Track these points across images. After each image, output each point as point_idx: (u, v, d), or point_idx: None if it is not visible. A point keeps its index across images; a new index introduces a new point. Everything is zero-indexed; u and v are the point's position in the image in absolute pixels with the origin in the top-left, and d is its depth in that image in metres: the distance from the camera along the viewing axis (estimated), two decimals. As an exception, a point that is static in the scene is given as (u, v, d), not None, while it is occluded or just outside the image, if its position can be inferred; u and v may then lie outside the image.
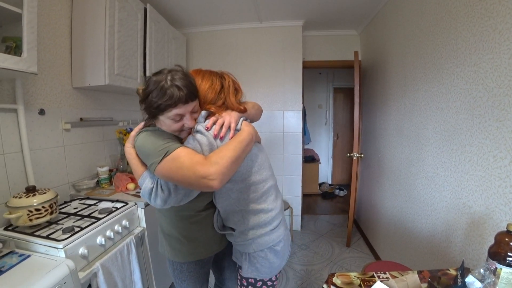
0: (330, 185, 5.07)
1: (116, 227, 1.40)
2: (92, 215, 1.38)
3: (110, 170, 1.95)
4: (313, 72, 4.88)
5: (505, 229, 0.97)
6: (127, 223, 1.48)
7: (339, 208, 4.03)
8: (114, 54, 1.77)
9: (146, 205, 1.62)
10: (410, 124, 1.97)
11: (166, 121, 0.91)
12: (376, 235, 2.72)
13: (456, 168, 1.43)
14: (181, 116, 0.91)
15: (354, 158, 2.72)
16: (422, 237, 1.76)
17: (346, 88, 4.92)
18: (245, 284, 1.10)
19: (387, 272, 1.18)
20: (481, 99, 1.24)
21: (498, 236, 0.99)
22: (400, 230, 2.11)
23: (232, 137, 0.94)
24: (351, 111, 2.74)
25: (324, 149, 5.26)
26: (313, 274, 2.33)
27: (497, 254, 0.97)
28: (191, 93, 0.89)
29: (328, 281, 1.12)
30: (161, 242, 1.16)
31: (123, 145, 2.07)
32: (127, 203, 1.57)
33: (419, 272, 1.19)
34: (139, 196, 1.67)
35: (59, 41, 1.70)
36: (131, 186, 1.78)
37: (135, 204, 1.60)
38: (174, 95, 0.85)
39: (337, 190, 4.73)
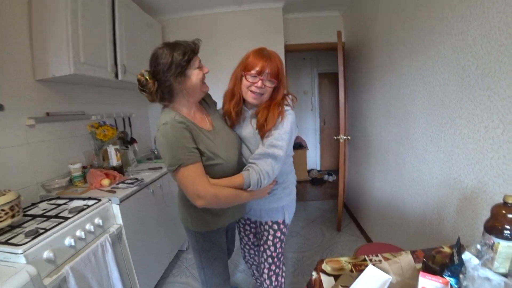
0: (319, 171, 5.06)
1: (88, 226, 1.28)
2: (60, 215, 1.26)
3: (84, 167, 1.82)
4: (297, 57, 4.79)
5: (502, 201, 0.92)
6: (101, 221, 1.37)
7: (329, 194, 4.02)
8: (79, 41, 1.61)
9: (122, 200, 1.51)
10: (396, 102, 1.92)
11: (194, 72, 1.03)
12: (366, 217, 2.70)
13: (446, 143, 1.38)
14: (200, 64, 1.06)
15: (341, 140, 2.67)
16: (413, 216, 1.73)
17: (331, 73, 4.86)
18: (283, 230, 1.34)
19: (379, 255, 1.12)
20: (470, 68, 1.18)
21: (495, 208, 0.94)
22: (390, 211, 2.08)
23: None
24: (337, 96, 2.67)
25: (311, 135, 5.22)
26: (304, 261, 2.29)
27: (494, 228, 0.92)
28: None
29: (317, 268, 1.05)
30: (182, 213, 1.20)
31: (97, 140, 1.94)
32: (99, 200, 1.45)
33: (413, 252, 1.13)
34: (114, 192, 1.55)
35: (15, 29, 1.53)
36: (105, 182, 1.66)
37: (109, 200, 1.49)
38: (190, 45, 1.03)
39: (326, 176, 4.72)
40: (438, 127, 1.44)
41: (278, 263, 1.37)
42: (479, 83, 1.14)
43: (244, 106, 1.21)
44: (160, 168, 2.17)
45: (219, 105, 1.35)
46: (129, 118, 2.56)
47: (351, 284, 0.89)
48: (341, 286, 0.94)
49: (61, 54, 1.57)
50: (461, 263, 0.89)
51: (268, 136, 1.10)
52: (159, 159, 2.47)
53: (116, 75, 1.98)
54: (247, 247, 1.59)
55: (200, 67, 1.05)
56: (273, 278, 1.37)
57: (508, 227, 0.89)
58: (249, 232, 1.53)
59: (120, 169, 1.91)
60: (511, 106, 0.99)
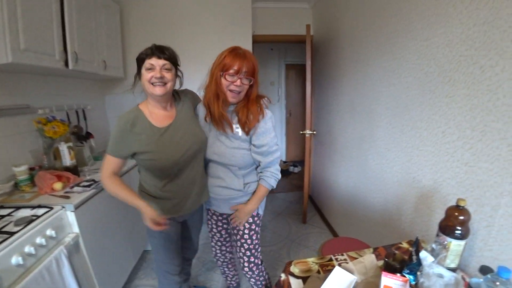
0: (284, 162, 5.14)
1: (39, 240, 1.14)
2: (3, 229, 1.11)
3: (31, 169, 1.62)
4: (264, 48, 4.72)
5: (455, 204, 0.99)
6: (53, 232, 1.23)
7: (294, 185, 4.12)
8: (18, 24, 1.39)
9: (77, 206, 1.38)
10: (362, 100, 1.97)
11: (144, 72, 1.14)
12: (331, 210, 2.81)
13: (407, 144, 1.45)
14: (152, 67, 1.13)
15: (306, 135, 2.72)
16: (375, 211, 1.83)
17: (299, 64, 4.88)
18: (258, 222, 1.43)
19: (344, 254, 1.17)
20: (432, 75, 1.24)
21: (449, 210, 1.01)
22: (354, 205, 2.18)
23: None
24: (304, 88, 2.68)
25: (277, 126, 5.25)
26: (272, 255, 2.33)
27: (447, 228, 0.99)
28: (163, 53, 1.14)
29: (286, 270, 1.08)
30: None
31: (45, 137, 1.74)
32: (51, 208, 1.29)
33: (375, 249, 1.20)
34: (68, 197, 1.41)
35: None
36: (58, 185, 1.49)
37: (63, 207, 1.34)
38: (148, 49, 1.14)
39: (292, 167, 4.82)
40: (400, 128, 1.50)
41: (256, 253, 1.46)
42: (439, 90, 1.20)
43: None
44: (121, 166, 2.02)
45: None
46: (83, 111, 2.32)
47: (319, 287, 0.92)
48: (310, 290, 0.97)
49: (-5, 39, 1.35)
50: (419, 262, 0.96)
51: (261, 146, 1.25)
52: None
53: (66, 64, 1.77)
54: (219, 243, 1.58)
55: (151, 69, 1.13)
56: (254, 269, 1.47)
57: (459, 228, 0.97)
58: (221, 228, 1.53)
59: (75, 170, 1.74)
60: (467, 114, 1.06)
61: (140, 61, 1.15)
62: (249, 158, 1.28)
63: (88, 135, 2.23)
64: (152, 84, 1.13)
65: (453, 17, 1.09)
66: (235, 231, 1.43)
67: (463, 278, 0.96)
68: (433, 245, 1.02)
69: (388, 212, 1.66)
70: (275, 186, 1.33)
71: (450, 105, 1.14)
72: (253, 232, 1.41)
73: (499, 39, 0.92)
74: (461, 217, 0.97)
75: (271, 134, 1.26)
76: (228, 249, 1.62)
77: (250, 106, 1.21)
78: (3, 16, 1.32)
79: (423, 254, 0.95)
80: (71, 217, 1.36)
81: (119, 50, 2.56)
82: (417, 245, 1.04)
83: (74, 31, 1.82)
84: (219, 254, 1.63)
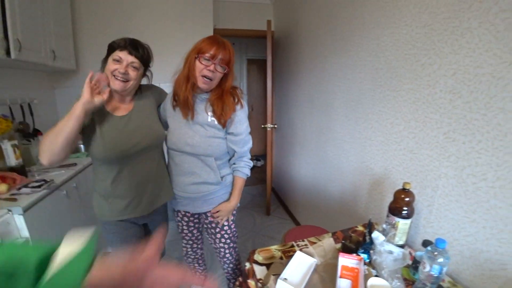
0: (248, 156, 5.19)
1: (-18, 246, 1.04)
2: None
3: (-31, 168, 1.45)
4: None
5: (401, 187, 1.11)
6: (-1, 239, 1.13)
7: (258, 178, 4.19)
8: None
9: (26, 209, 1.27)
10: (320, 94, 2.08)
11: (110, 62, 1.08)
12: (293, 201, 2.93)
13: (361, 135, 1.57)
14: (119, 59, 1.08)
15: (268, 129, 2.78)
16: (333, 198, 1.95)
17: (260, 59, 4.94)
18: (235, 212, 1.45)
19: (305, 240, 1.24)
20: (381, 70, 1.35)
21: (396, 193, 1.13)
22: (314, 194, 2.30)
23: None
24: (265, 83, 2.73)
25: (240, 121, 5.27)
26: (238, 248, 2.36)
27: (395, 209, 1.11)
28: (136, 50, 1.10)
29: (250, 259, 1.12)
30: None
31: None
32: (-4, 212, 1.19)
33: (333, 234, 1.29)
34: (14, 200, 1.29)
35: None
36: (2, 187, 1.35)
37: (9, 211, 1.22)
38: (123, 40, 1.09)
39: (255, 161, 4.89)
40: (355, 120, 1.62)
41: (234, 239, 1.51)
42: (387, 85, 1.32)
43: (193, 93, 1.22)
44: (75, 164, 1.88)
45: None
46: (29, 105, 2.11)
47: (281, 272, 0.97)
48: (273, 274, 1.02)
49: None
50: (371, 241, 1.06)
51: (239, 134, 1.26)
52: (73, 153, 2.13)
53: (8, 53, 1.59)
54: (191, 242, 1.56)
55: (118, 61, 1.08)
56: (233, 252, 1.52)
57: (405, 208, 1.09)
58: (193, 228, 1.50)
59: (22, 170, 1.59)
60: (410, 107, 1.18)
61: (110, 49, 1.10)
62: (224, 147, 1.28)
63: (36, 132, 2.03)
64: (114, 76, 1.08)
65: (399, 19, 1.21)
66: (213, 225, 1.41)
67: (410, 253, 1.08)
68: (384, 226, 1.13)
69: (345, 199, 1.78)
70: (249, 174, 1.36)
71: (396, 98, 1.26)
72: (231, 222, 1.44)
73: (436, 40, 1.04)
74: (407, 199, 1.09)
75: (246, 123, 1.28)
76: (199, 246, 1.60)
77: (225, 98, 1.20)
78: None
79: (375, 234, 1.05)
80: (19, 221, 1.25)
81: (69, 40, 2.35)
82: (370, 226, 1.15)
83: (16, 16, 1.64)
84: (190, 252, 1.60)
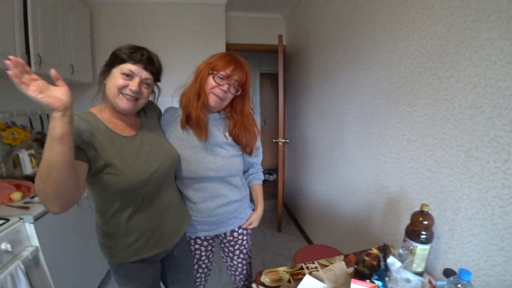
0: (260, 170, 5.14)
1: (-9, 255, 1.05)
2: None
3: (-16, 179, 1.49)
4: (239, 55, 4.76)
5: (419, 209, 1.03)
6: (9, 245, 1.13)
7: (270, 193, 4.11)
8: (-28, 24, 1.30)
9: (37, 218, 1.28)
10: (332, 109, 2.03)
11: (116, 74, 0.89)
12: (305, 218, 2.83)
13: (374, 151, 1.50)
14: (131, 74, 0.90)
15: (280, 143, 2.74)
16: (346, 217, 1.86)
17: (273, 73, 4.95)
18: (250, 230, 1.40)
19: (315, 262, 1.17)
20: (395, 85, 1.30)
21: (413, 216, 1.05)
22: (326, 212, 2.21)
23: None
24: (278, 97, 2.71)
25: (253, 135, 5.27)
26: (247, 265, 2.29)
27: (413, 232, 1.02)
28: (152, 65, 0.95)
29: (257, 281, 1.06)
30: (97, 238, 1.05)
31: (4, 143, 1.61)
32: (7, 220, 1.20)
33: (346, 256, 1.21)
34: (27, 208, 1.30)
35: None
36: (16, 195, 1.38)
37: (20, 219, 1.24)
38: (137, 53, 0.91)
39: (267, 175, 4.83)
40: (368, 136, 1.55)
41: (249, 253, 1.42)
42: (402, 99, 1.26)
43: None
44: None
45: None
46: (48, 116, 2.18)
47: (290, 297, 0.91)
48: (281, 300, 0.95)
49: None
50: (386, 268, 0.98)
51: (258, 147, 1.25)
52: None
53: (29, 66, 1.65)
54: (206, 270, 1.41)
55: (128, 75, 0.89)
56: (248, 268, 1.44)
57: (424, 232, 1.00)
58: (210, 252, 1.37)
59: (35, 179, 1.62)
60: (427, 122, 1.12)
61: (117, 59, 0.90)
62: (243, 162, 1.24)
63: (51, 143, 2.09)
64: (121, 93, 0.90)
65: (413, 31, 1.16)
66: (231, 243, 1.34)
67: (430, 281, 0.99)
68: (400, 250, 1.04)
69: (359, 218, 1.69)
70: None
71: (412, 114, 1.20)
72: (248, 236, 1.39)
73: (453, 53, 0.98)
74: (425, 222, 1.01)
75: (259, 142, 1.27)
76: (210, 272, 1.46)
77: (246, 123, 1.13)
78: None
79: (390, 259, 0.97)
80: (30, 229, 1.27)
81: (88, 54, 2.45)
82: (384, 251, 1.07)
83: (38, 32, 1.73)
84: (203, 281, 1.44)
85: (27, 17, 1.65)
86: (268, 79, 5.13)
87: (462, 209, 0.98)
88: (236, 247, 1.35)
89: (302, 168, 2.83)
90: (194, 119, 1.06)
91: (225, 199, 1.18)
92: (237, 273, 1.43)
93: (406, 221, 1.06)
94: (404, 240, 1.05)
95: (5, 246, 1.14)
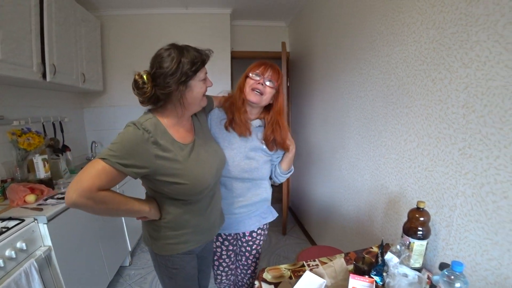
0: (267, 175, 5.16)
1: (8, 252, 1.12)
2: (-30, 242, 1.08)
3: (3, 181, 1.58)
4: (243, 63, 4.82)
5: (415, 206, 1.06)
6: (24, 244, 1.20)
7: (275, 197, 4.05)
8: (-5, 36, 1.41)
9: (50, 219, 1.35)
10: (334, 113, 2.07)
11: (198, 85, 0.95)
12: (309, 220, 2.85)
13: (374, 153, 1.53)
14: (206, 78, 0.98)
15: (284, 148, 2.78)
16: (349, 218, 1.88)
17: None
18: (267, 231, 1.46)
19: (316, 259, 1.20)
20: (393, 87, 1.34)
21: (410, 213, 1.08)
22: (330, 214, 2.23)
23: None
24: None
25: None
26: (253, 267, 2.32)
27: (410, 229, 1.05)
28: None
29: (259, 277, 1.10)
30: (144, 232, 1.10)
31: (20, 149, 1.71)
32: (23, 220, 1.27)
33: (346, 254, 1.24)
34: (40, 209, 1.38)
35: None
36: (30, 198, 1.46)
37: (35, 219, 1.31)
38: (201, 53, 0.96)
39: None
40: (368, 138, 1.59)
41: (258, 256, 1.48)
42: (400, 101, 1.30)
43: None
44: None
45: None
46: (60, 123, 2.30)
47: (290, 291, 0.94)
48: (282, 293, 0.99)
49: (-29, 49, 1.35)
50: (384, 263, 1.01)
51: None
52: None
53: (44, 76, 1.77)
54: (227, 269, 1.47)
55: (204, 80, 0.98)
56: (257, 267, 1.50)
57: (420, 228, 1.03)
58: (231, 252, 1.43)
59: (49, 182, 1.71)
60: (424, 123, 1.15)
61: (184, 75, 0.89)
62: (270, 168, 1.34)
63: (65, 148, 2.19)
64: (204, 96, 1.01)
65: (408, 36, 1.21)
66: (249, 243, 1.40)
67: (428, 277, 1.01)
68: (398, 246, 1.07)
69: (361, 219, 1.72)
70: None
71: (409, 115, 1.24)
72: (265, 236, 1.45)
73: (445, 55, 1.02)
74: (422, 218, 1.04)
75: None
76: (233, 271, 1.51)
77: (281, 124, 1.23)
78: (-21, 27, 1.34)
79: (388, 255, 1.00)
80: (43, 229, 1.34)
81: (98, 64, 2.58)
82: (382, 247, 1.09)
83: (53, 43, 1.84)
84: (224, 280, 1.51)
85: (43, 29, 1.77)
86: (274, 85, 5.19)
87: (458, 206, 1.01)
88: (253, 247, 1.42)
89: (307, 171, 2.87)
90: (238, 121, 1.17)
91: (249, 200, 1.28)
92: (249, 272, 1.50)
93: (405, 219, 1.09)
94: (402, 237, 1.08)
95: (21, 244, 1.20)
